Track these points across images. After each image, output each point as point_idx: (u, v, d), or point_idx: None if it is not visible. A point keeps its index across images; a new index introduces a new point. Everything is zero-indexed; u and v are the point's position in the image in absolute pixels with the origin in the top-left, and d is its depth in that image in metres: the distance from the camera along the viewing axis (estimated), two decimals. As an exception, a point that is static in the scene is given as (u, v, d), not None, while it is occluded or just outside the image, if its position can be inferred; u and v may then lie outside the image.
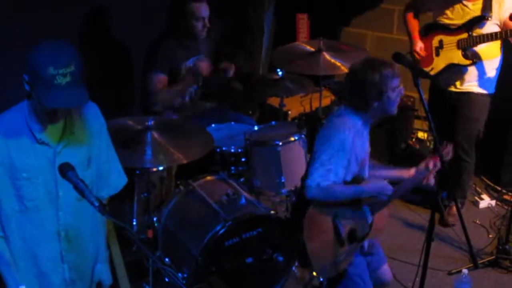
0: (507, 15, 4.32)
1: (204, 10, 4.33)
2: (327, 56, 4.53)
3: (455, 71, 4.57)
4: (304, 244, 3.31)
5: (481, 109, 4.67)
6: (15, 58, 3.85)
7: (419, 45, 4.66)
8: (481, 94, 4.60)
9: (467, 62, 4.48)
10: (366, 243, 3.48)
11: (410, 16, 4.76)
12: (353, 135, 3.21)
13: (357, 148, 3.25)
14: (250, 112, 5.42)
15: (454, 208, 4.86)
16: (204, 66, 4.52)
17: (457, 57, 4.52)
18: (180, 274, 3.57)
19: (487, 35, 4.36)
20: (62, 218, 2.60)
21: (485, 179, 5.57)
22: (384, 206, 3.43)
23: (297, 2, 6.18)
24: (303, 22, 6.25)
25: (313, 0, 6.10)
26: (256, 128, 4.36)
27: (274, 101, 5.34)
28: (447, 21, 4.54)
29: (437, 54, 4.64)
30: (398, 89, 3.22)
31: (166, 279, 3.67)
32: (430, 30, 4.68)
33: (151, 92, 4.41)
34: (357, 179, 3.30)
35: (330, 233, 3.32)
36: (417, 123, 5.76)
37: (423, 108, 3.23)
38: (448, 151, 3.43)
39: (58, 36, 3.96)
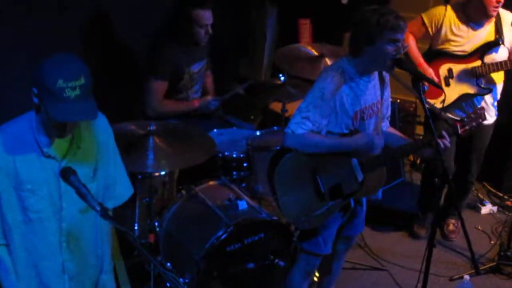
0: None
1: (208, 17, 4.33)
2: (330, 62, 4.53)
3: (469, 103, 4.34)
4: (275, 193, 3.24)
5: (490, 136, 4.56)
6: (15, 59, 3.87)
7: (429, 71, 4.29)
8: (491, 123, 4.46)
9: (484, 91, 4.28)
10: (352, 201, 3.33)
11: (411, 40, 4.35)
12: (338, 84, 3.07)
13: (346, 98, 3.10)
14: (252, 117, 5.41)
15: (451, 226, 4.88)
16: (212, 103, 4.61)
17: (471, 86, 4.29)
18: (181, 279, 3.56)
19: (504, 62, 4.17)
20: (65, 230, 2.58)
21: (487, 185, 5.58)
22: (378, 165, 3.26)
23: (299, 7, 6.18)
24: (305, 27, 6.24)
25: (316, 5, 6.10)
26: (258, 133, 4.36)
27: (276, 106, 5.33)
28: (453, 48, 4.29)
29: (447, 84, 4.34)
30: (397, 44, 3.01)
31: (168, 284, 3.67)
32: (433, 58, 4.37)
33: (150, 99, 4.42)
34: (353, 133, 3.17)
35: (307, 186, 3.22)
36: (419, 129, 5.74)
37: (424, 114, 3.17)
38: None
39: (58, 38, 4.00)
